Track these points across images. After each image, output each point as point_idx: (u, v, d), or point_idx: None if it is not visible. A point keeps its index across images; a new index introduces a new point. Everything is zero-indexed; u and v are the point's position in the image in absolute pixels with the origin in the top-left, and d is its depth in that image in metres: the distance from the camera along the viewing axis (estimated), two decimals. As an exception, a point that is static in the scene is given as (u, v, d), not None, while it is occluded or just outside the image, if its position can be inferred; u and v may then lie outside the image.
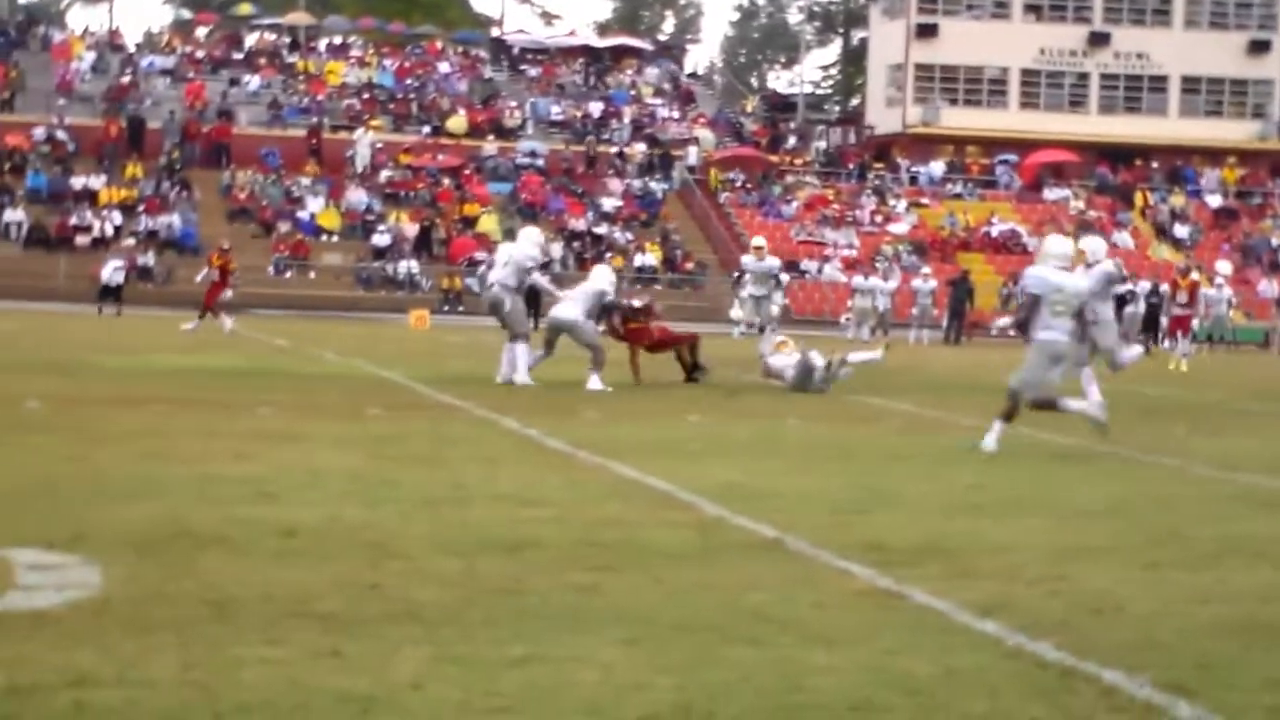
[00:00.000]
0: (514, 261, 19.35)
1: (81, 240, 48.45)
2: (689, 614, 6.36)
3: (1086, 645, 6.03)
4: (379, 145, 56.13)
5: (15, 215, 49.55)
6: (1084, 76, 63.61)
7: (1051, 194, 59.34)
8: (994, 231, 55.72)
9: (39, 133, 53.83)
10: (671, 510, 9.16)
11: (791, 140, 63.89)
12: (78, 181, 51.69)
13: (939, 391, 20.65)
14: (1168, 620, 6.62)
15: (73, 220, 49.39)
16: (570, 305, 18.68)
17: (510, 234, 46.10)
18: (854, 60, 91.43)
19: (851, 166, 61.44)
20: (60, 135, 53.90)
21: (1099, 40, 62.81)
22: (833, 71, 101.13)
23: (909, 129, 63.36)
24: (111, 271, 38.87)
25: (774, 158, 60.75)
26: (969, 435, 13.88)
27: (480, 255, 47.67)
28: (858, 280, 43.51)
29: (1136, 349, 19.85)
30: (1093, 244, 19.00)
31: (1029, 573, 7.56)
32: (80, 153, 53.59)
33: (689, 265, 52.63)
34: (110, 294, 38.21)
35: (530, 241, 20.00)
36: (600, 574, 7.10)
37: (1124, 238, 56.20)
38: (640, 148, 59.68)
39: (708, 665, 5.61)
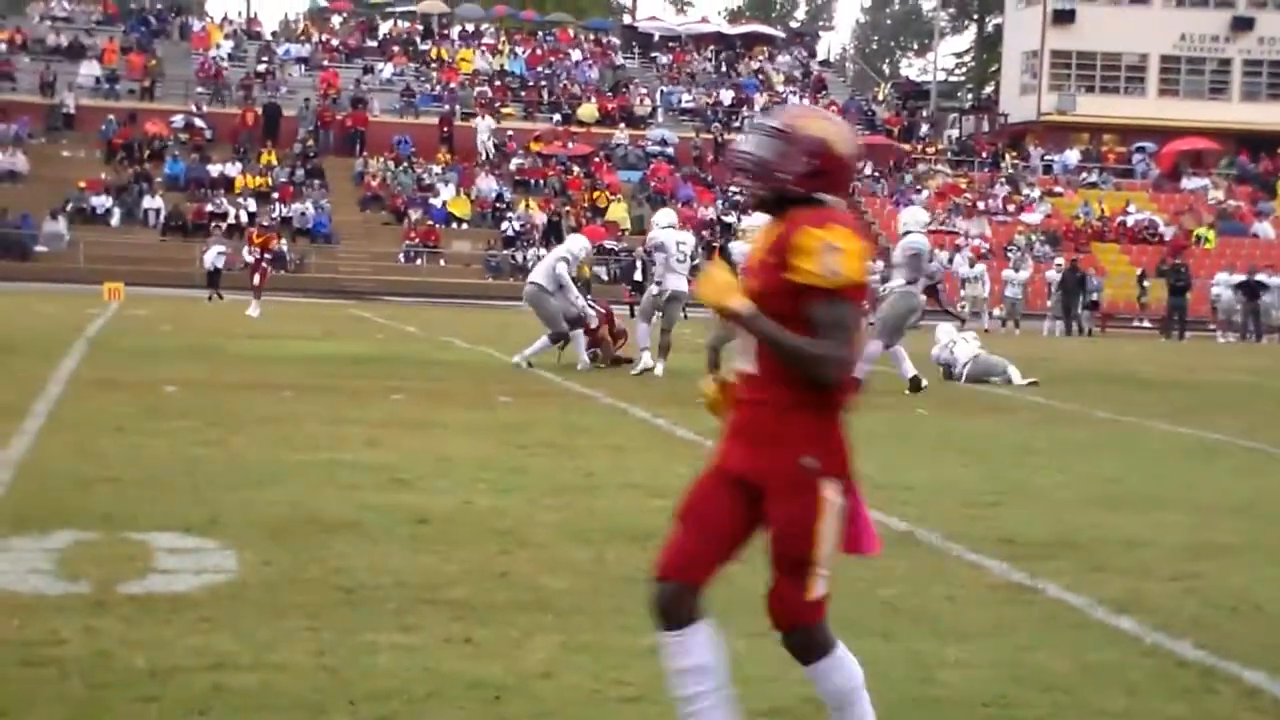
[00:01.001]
0: (546, 261, 19.59)
1: (217, 227, 49.20)
2: (819, 606, 6.31)
3: (1226, 644, 5.91)
4: (509, 134, 56.52)
5: (153, 202, 50.41)
6: (1226, 63, 62.51)
7: (1190, 183, 58.39)
8: (1130, 221, 54.92)
9: (178, 120, 54.75)
10: (801, 501, 9.07)
11: (924, 128, 63.39)
12: (214, 169, 52.51)
13: (1072, 383, 20.39)
14: (1310, 621, 6.48)
15: (209, 207, 50.16)
16: (684, 279, 18.51)
17: (639, 222, 46.24)
18: (988, 47, 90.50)
19: (985, 155, 60.83)
20: (198, 123, 54.79)
21: (1243, 25, 61.67)
22: (966, 59, 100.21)
23: (1044, 117, 62.62)
24: (214, 256, 39.34)
25: (906, 146, 60.34)
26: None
27: (609, 244, 47.78)
28: (964, 270, 43.30)
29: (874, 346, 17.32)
30: (908, 215, 18.98)
31: (1164, 569, 7.43)
32: (217, 140, 54.44)
33: (818, 254, 52.30)
34: (213, 279, 38.63)
35: (573, 244, 20.13)
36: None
37: (1264, 228, 55.15)
38: (771, 136, 59.44)
39: (838, 659, 5.57)
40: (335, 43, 63.40)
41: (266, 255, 33.41)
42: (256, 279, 32.20)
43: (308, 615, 5.86)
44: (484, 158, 55.29)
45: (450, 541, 7.41)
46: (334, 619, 5.84)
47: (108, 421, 11.51)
